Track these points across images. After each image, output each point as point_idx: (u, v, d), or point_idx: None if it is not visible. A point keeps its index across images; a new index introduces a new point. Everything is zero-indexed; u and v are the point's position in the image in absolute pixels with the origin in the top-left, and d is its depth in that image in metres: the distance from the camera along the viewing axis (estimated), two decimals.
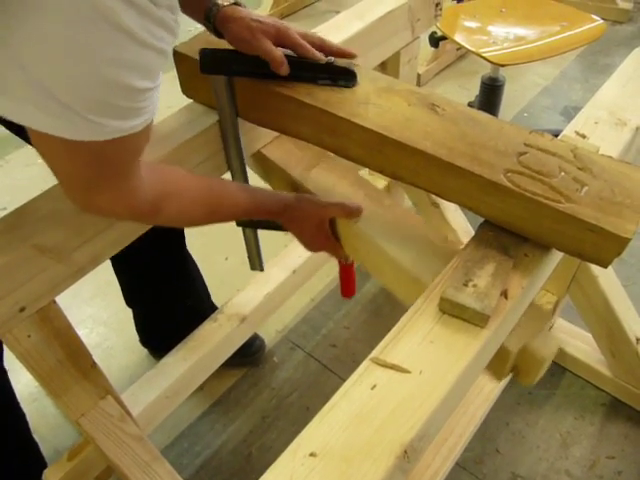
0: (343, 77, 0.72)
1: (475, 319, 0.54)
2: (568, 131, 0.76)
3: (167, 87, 1.02)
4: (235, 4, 0.72)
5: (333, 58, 0.72)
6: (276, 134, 0.89)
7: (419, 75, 2.21)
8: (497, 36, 1.51)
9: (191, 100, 0.85)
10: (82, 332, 1.23)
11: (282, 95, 0.72)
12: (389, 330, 0.56)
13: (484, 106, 1.78)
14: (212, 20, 0.72)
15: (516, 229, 0.62)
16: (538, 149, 0.64)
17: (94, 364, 0.85)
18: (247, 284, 1.22)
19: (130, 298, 1.28)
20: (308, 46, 0.72)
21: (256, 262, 0.97)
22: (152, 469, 0.88)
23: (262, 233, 0.93)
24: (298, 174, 0.84)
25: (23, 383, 1.28)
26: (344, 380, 0.52)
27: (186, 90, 0.84)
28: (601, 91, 0.84)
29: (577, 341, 1.28)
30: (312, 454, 0.47)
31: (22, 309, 0.68)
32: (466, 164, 0.61)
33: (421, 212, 1.43)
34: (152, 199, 0.64)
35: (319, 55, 0.73)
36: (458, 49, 2.32)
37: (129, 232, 0.76)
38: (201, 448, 1.22)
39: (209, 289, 1.32)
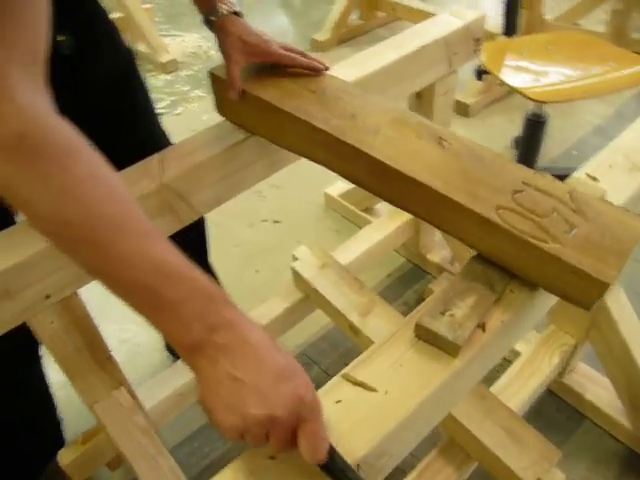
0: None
1: (447, 347, 0.56)
2: (579, 173, 0.76)
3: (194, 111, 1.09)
4: (235, 13, 0.77)
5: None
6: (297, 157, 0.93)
7: (468, 106, 2.21)
8: (541, 73, 1.50)
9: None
10: (113, 327, 1.30)
11: (297, 119, 0.76)
12: None
13: (528, 141, 1.77)
14: (211, 26, 0.79)
15: (504, 264, 0.63)
16: (535, 188, 0.65)
17: (110, 356, 0.91)
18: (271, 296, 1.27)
19: None
20: (291, 55, 0.78)
21: None
22: (156, 462, 0.93)
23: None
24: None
25: (56, 369, 1.36)
26: None
27: (220, 110, 0.90)
28: (622, 134, 0.83)
29: (597, 387, 1.23)
30: (272, 457, 0.50)
31: (47, 296, 0.74)
32: (459, 197, 0.63)
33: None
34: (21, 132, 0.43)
35: (303, 60, 0.79)
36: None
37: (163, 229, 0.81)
38: (210, 450, 1.26)
39: (236, 300, 1.37)
